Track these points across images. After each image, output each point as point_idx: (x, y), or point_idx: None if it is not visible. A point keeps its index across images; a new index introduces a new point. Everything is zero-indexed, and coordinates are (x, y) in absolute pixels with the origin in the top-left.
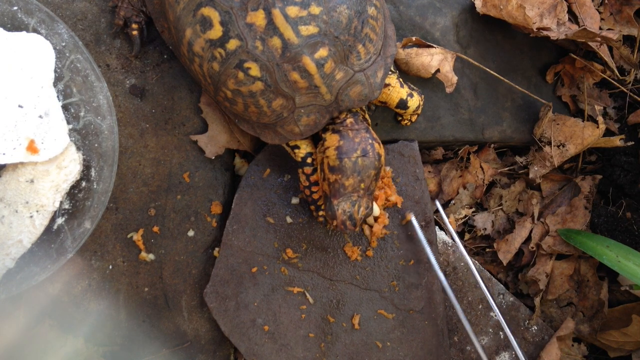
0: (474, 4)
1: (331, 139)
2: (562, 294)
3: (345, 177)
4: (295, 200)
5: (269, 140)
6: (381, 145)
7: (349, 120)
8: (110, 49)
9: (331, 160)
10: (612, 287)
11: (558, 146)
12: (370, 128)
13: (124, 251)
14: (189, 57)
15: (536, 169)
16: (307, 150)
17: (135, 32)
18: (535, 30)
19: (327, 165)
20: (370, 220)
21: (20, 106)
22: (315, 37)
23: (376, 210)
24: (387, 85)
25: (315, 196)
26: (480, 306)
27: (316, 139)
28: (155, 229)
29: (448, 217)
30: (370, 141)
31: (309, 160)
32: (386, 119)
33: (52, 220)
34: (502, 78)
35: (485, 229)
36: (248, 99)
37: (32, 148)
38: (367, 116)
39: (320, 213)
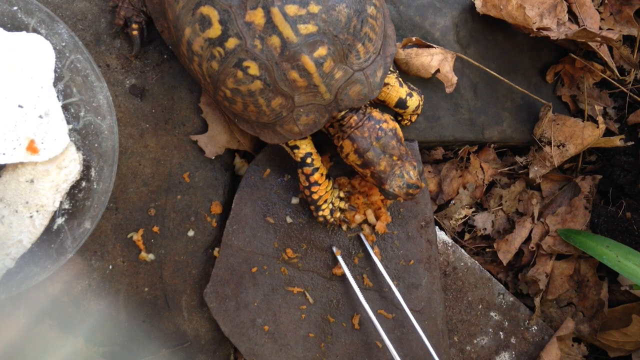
0: (474, 4)
1: (346, 146)
2: (562, 294)
3: (377, 164)
4: (295, 200)
5: (268, 140)
6: (387, 117)
7: (353, 119)
8: (110, 49)
9: (357, 161)
10: (612, 287)
11: (558, 146)
12: (372, 112)
13: (124, 251)
14: (188, 56)
15: (536, 169)
16: (306, 150)
17: (135, 32)
18: (535, 30)
19: (357, 166)
20: (372, 219)
21: (20, 106)
22: (314, 36)
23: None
24: (386, 84)
25: (315, 196)
26: (480, 306)
27: (316, 139)
28: (155, 229)
29: (451, 218)
30: (377, 126)
31: (308, 160)
32: None
33: (52, 220)
34: (502, 78)
35: (485, 229)
36: (247, 98)
37: (32, 148)
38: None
39: (320, 213)
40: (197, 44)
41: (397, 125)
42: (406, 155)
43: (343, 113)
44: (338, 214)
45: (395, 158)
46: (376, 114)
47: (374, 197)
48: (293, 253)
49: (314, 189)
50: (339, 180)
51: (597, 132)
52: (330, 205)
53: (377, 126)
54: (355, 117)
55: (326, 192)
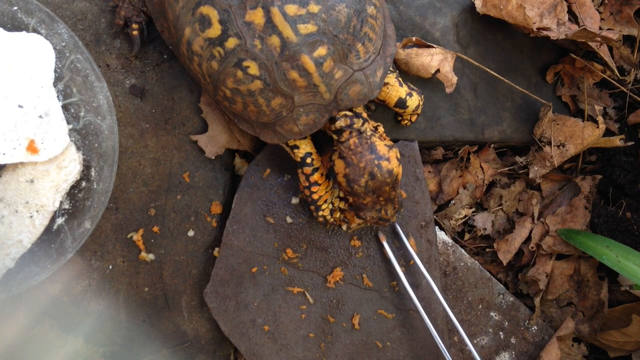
0: (474, 4)
1: (338, 165)
2: (562, 294)
3: (362, 198)
4: (295, 200)
5: (268, 140)
6: (392, 155)
7: (352, 141)
8: (110, 49)
9: (343, 185)
10: (612, 287)
11: (558, 146)
12: (376, 143)
13: (124, 251)
14: (188, 56)
15: (536, 169)
16: (306, 150)
17: (135, 32)
18: (535, 30)
19: (343, 188)
20: None
21: (20, 106)
22: (314, 35)
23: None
24: (386, 84)
25: (315, 196)
26: (480, 306)
27: (316, 139)
28: (155, 229)
29: (451, 218)
30: (376, 162)
31: (308, 160)
32: (386, 119)
33: (52, 220)
34: (502, 78)
35: (485, 229)
36: (247, 98)
37: (32, 148)
38: (365, 116)
39: (320, 213)
40: (197, 44)
41: (400, 170)
42: (393, 199)
43: (341, 127)
44: (338, 214)
45: (381, 199)
46: (381, 147)
47: None
48: (293, 253)
49: (314, 189)
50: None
51: (597, 132)
52: (330, 205)
53: (376, 162)
54: (355, 140)
55: (326, 192)
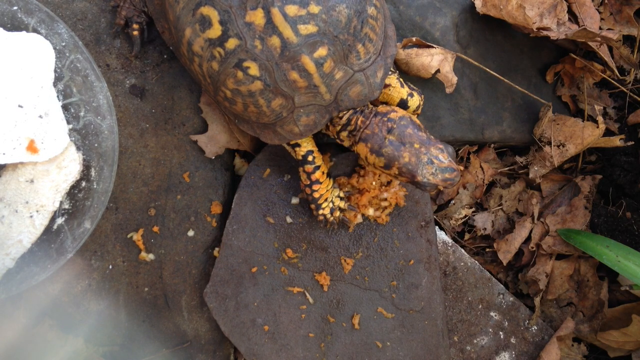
0: (474, 4)
1: (361, 149)
2: (562, 294)
3: (400, 157)
4: (295, 200)
5: (268, 141)
6: (397, 109)
7: (360, 120)
8: (110, 49)
9: (378, 162)
10: (612, 287)
11: (558, 146)
12: (378, 108)
13: (124, 251)
14: (188, 56)
15: (536, 169)
16: (307, 148)
17: (136, 32)
18: (535, 30)
19: (382, 169)
20: (372, 214)
21: (20, 106)
22: (315, 36)
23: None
24: (387, 85)
25: (316, 195)
26: (480, 306)
27: (316, 138)
28: (155, 229)
29: (451, 218)
30: (384, 118)
31: (309, 158)
32: None
33: (52, 220)
34: (502, 78)
35: (485, 229)
36: (247, 99)
37: (32, 148)
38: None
39: (320, 212)
40: (197, 45)
41: (410, 114)
42: (428, 140)
43: (348, 116)
44: (338, 214)
45: (417, 146)
46: (382, 108)
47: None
48: (293, 253)
49: (315, 187)
50: (338, 180)
51: (597, 132)
52: (331, 205)
53: (385, 118)
54: (361, 118)
55: (327, 190)
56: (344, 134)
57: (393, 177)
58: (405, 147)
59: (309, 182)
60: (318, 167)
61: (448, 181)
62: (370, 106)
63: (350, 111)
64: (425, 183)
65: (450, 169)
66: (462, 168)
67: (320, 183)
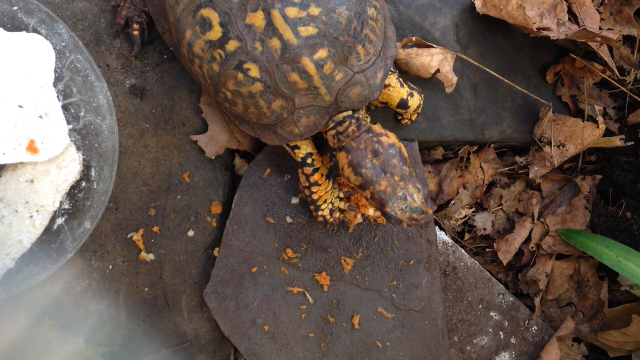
0: (474, 4)
1: (341, 158)
2: (562, 294)
3: (376, 183)
4: (295, 200)
5: (268, 141)
6: (390, 134)
7: (351, 129)
8: (110, 49)
9: (354, 180)
10: (612, 287)
11: (558, 146)
12: (373, 126)
13: (124, 251)
14: (189, 58)
15: (536, 169)
16: (307, 150)
17: (136, 32)
18: (535, 30)
19: (357, 187)
20: (372, 213)
21: (20, 106)
22: (315, 38)
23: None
24: (387, 85)
25: (315, 196)
26: (480, 306)
27: (317, 139)
28: (155, 229)
29: (451, 218)
30: (374, 139)
31: (309, 160)
32: (386, 118)
33: (52, 220)
34: (502, 78)
35: (485, 229)
36: (248, 100)
37: (32, 148)
38: (364, 115)
39: (320, 213)
40: (197, 46)
41: (401, 145)
42: (410, 176)
43: (343, 117)
44: (337, 214)
45: (397, 178)
46: (377, 128)
47: None
48: (293, 253)
49: (314, 189)
50: (339, 180)
51: (597, 132)
52: (330, 205)
53: (375, 139)
54: (354, 127)
55: (326, 192)
56: (332, 132)
57: (363, 197)
58: (386, 176)
59: (308, 184)
60: (317, 170)
61: (414, 221)
62: (368, 119)
63: (350, 112)
64: (392, 216)
65: (420, 211)
66: (430, 212)
67: (319, 185)
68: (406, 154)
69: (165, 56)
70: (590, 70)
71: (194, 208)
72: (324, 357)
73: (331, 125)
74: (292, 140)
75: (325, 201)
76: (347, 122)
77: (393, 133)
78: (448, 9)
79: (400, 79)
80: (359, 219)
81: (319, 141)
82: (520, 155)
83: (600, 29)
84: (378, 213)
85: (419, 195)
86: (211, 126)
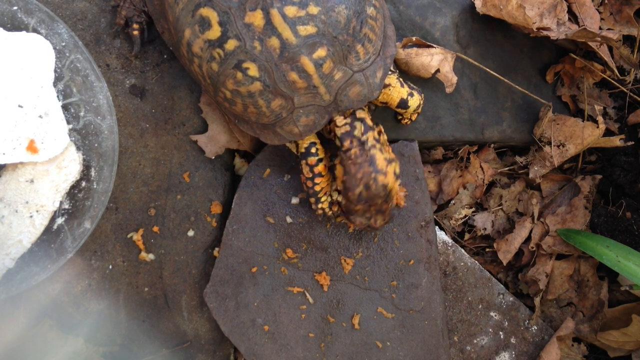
0: (474, 4)
1: (339, 171)
2: (562, 294)
3: (354, 205)
4: (295, 200)
5: (268, 141)
6: (390, 170)
7: (354, 152)
8: (110, 49)
9: (340, 187)
10: (612, 287)
11: (558, 146)
12: (377, 156)
13: (124, 251)
14: (188, 57)
15: (536, 169)
16: (310, 140)
17: (136, 32)
18: (535, 30)
19: (339, 189)
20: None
21: (20, 106)
22: (314, 37)
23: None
24: (387, 85)
25: (317, 188)
26: (480, 306)
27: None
28: (155, 229)
29: (451, 218)
30: (373, 175)
31: (312, 150)
32: (386, 118)
33: (52, 220)
34: (502, 78)
35: (485, 229)
36: (247, 100)
37: (32, 148)
38: (368, 119)
39: (320, 205)
40: (196, 46)
41: (396, 186)
42: (386, 210)
43: (342, 129)
44: (336, 208)
45: (372, 209)
46: (380, 161)
47: None
48: (293, 253)
49: (317, 180)
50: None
51: (597, 132)
52: (329, 199)
53: (373, 175)
54: (357, 151)
55: (327, 184)
56: (337, 142)
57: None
58: (364, 205)
59: (311, 175)
60: (321, 160)
61: (366, 229)
62: (371, 141)
63: (348, 127)
64: (349, 220)
65: (373, 230)
66: (379, 228)
67: (322, 176)
68: (394, 192)
69: (165, 56)
70: (590, 70)
71: (194, 208)
72: (324, 357)
73: (334, 137)
74: (291, 140)
75: (325, 194)
76: (348, 142)
77: (394, 165)
78: (448, 9)
79: (401, 79)
80: None
81: (319, 137)
82: (520, 155)
83: (600, 29)
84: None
85: (381, 222)
86: (211, 126)
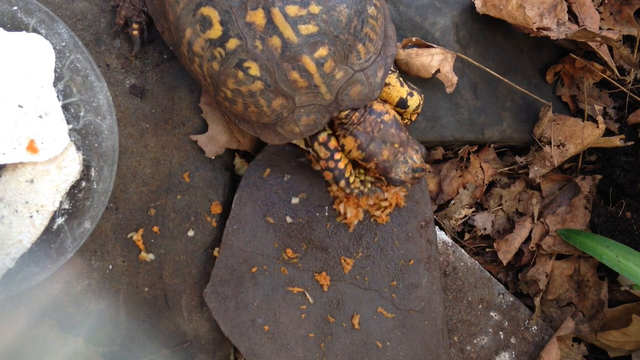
0: (474, 4)
1: (348, 143)
2: (562, 294)
3: (379, 154)
4: (295, 200)
5: (269, 141)
6: (390, 109)
7: (355, 116)
8: (110, 49)
9: (360, 156)
10: (612, 287)
11: (558, 146)
12: (373, 105)
13: (124, 251)
14: (189, 57)
15: (536, 168)
16: None
17: (136, 32)
18: (535, 30)
19: (361, 160)
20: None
21: (20, 106)
22: (315, 36)
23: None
24: (387, 84)
25: (341, 165)
26: (480, 306)
27: None
28: (155, 229)
29: (451, 218)
30: (378, 119)
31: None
32: None
33: (52, 220)
34: (502, 78)
35: (485, 229)
36: (248, 99)
37: (32, 148)
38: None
39: (353, 186)
40: (197, 45)
41: (395, 113)
42: (407, 140)
43: (346, 113)
44: (369, 185)
45: (396, 145)
46: (377, 106)
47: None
48: (293, 253)
49: (337, 155)
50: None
51: (597, 132)
52: (358, 177)
53: (379, 119)
54: (357, 114)
55: (348, 162)
56: (337, 122)
57: (367, 168)
58: (387, 146)
59: (329, 154)
60: (331, 135)
61: (416, 180)
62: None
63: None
64: (396, 180)
65: (420, 169)
66: (428, 167)
67: (339, 150)
68: (400, 121)
69: (165, 56)
70: (590, 70)
71: (194, 208)
72: (324, 357)
73: (338, 122)
74: (292, 139)
75: (350, 172)
76: (351, 114)
77: (388, 104)
78: (448, 9)
79: (400, 79)
80: (360, 215)
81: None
82: (520, 155)
83: (600, 29)
84: (378, 213)
85: (417, 155)
86: (211, 126)
